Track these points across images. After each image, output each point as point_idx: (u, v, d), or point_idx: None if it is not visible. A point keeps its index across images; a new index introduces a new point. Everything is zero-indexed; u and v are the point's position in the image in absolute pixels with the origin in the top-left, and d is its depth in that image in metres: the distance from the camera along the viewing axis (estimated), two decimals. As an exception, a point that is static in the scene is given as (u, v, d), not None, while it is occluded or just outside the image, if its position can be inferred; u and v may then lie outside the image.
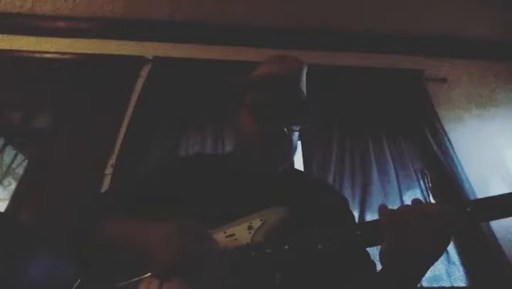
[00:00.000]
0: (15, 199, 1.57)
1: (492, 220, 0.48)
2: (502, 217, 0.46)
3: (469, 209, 0.48)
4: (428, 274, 1.54)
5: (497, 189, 1.82)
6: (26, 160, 1.75)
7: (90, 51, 2.10)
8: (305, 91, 0.86)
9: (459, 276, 1.54)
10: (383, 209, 0.52)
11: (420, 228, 0.47)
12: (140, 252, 0.57)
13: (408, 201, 1.69)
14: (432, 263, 0.51)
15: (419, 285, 1.47)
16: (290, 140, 0.81)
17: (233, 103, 0.88)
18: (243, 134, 0.82)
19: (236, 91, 0.88)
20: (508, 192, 0.47)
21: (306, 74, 0.90)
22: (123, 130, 1.78)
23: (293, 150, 0.84)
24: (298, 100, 0.81)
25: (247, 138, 0.81)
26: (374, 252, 0.74)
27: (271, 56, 0.91)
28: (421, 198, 1.70)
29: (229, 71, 1.99)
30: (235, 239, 0.61)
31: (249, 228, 0.62)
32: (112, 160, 1.66)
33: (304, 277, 0.63)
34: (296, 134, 0.84)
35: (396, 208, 0.52)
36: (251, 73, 0.91)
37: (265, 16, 2.21)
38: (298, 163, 1.79)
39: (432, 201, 1.74)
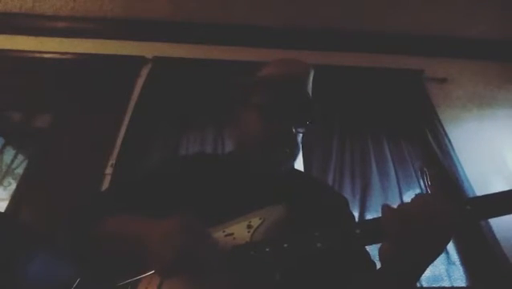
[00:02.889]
0: (15, 199, 1.57)
1: (491, 217, 0.48)
2: (502, 215, 0.46)
3: (468, 207, 0.48)
4: (428, 274, 1.55)
5: (497, 188, 1.81)
6: (26, 160, 1.75)
7: (90, 51, 2.10)
8: (311, 94, 0.87)
9: (459, 276, 1.54)
10: (386, 209, 0.52)
11: (421, 227, 0.47)
12: (140, 250, 0.56)
13: (408, 200, 1.69)
14: (431, 261, 0.51)
15: (419, 285, 1.47)
16: (297, 141, 0.81)
17: (236, 103, 0.88)
18: (247, 134, 0.82)
19: (239, 91, 0.88)
20: (507, 189, 0.47)
21: None
22: (123, 130, 1.78)
23: (298, 151, 0.84)
24: (306, 103, 0.82)
25: (252, 138, 0.80)
26: (374, 252, 0.74)
27: (278, 58, 0.91)
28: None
29: (229, 71, 1.99)
30: (234, 238, 0.61)
31: (249, 227, 0.61)
32: (112, 160, 1.66)
33: (304, 276, 0.63)
34: (300, 136, 0.84)
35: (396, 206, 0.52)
36: (255, 73, 0.91)
37: (265, 16, 2.21)
38: (298, 163, 1.79)
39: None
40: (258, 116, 0.80)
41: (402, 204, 0.51)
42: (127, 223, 0.66)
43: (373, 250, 0.76)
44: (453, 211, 0.48)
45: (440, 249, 0.50)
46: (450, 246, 1.61)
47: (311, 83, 0.88)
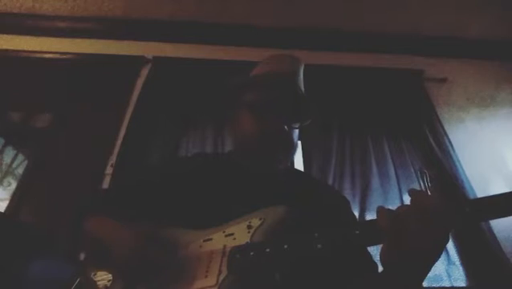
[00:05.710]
0: (15, 199, 1.57)
1: (490, 219, 0.47)
2: (501, 217, 0.46)
3: (467, 209, 0.47)
4: (428, 274, 1.55)
5: (497, 189, 1.82)
6: (26, 160, 1.75)
7: (90, 51, 2.10)
8: (303, 88, 0.87)
9: (459, 276, 1.54)
10: (381, 211, 0.51)
11: (418, 228, 0.47)
12: (106, 251, 0.62)
13: (408, 201, 1.68)
14: (432, 263, 0.51)
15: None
16: (292, 138, 0.81)
17: (232, 104, 0.88)
18: (243, 134, 0.82)
19: (234, 92, 0.88)
20: (507, 191, 0.47)
21: (306, 73, 0.91)
22: (123, 130, 1.78)
23: (294, 148, 0.84)
24: (297, 98, 0.82)
25: (247, 137, 0.81)
26: (375, 252, 0.73)
27: (268, 56, 0.92)
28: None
29: (229, 71, 1.99)
30: (234, 239, 0.61)
31: (249, 227, 0.61)
32: (112, 160, 1.66)
33: (304, 277, 0.63)
34: (296, 132, 0.84)
35: (394, 208, 0.51)
36: (249, 73, 0.92)
37: (265, 16, 2.21)
38: (298, 163, 1.79)
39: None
40: (250, 115, 0.81)
41: (398, 207, 0.51)
42: (103, 225, 0.67)
43: (374, 250, 0.76)
44: (449, 210, 0.48)
45: (439, 249, 0.49)
46: (450, 246, 1.61)
47: (301, 76, 0.88)
